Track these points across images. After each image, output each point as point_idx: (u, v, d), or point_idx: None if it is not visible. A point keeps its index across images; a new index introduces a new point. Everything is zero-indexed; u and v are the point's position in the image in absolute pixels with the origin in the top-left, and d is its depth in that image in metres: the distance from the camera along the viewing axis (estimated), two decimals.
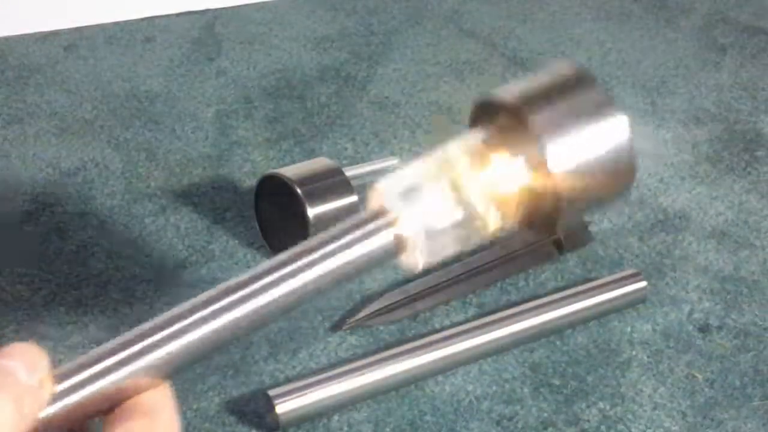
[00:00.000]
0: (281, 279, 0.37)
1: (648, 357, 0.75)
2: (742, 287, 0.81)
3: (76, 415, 0.34)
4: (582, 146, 0.42)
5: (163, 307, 0.80)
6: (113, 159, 0.93)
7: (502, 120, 0.42)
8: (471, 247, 0.42)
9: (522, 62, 1.09)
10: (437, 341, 0.72)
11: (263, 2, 1.19)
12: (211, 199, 0.88)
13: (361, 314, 0.76)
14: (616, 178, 0.43)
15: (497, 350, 0.74)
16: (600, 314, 0.77)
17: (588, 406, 0.71)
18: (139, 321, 0.74)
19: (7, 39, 1.11)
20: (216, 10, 1.17)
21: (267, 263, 0.38)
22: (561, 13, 1.19)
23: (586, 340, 0.76)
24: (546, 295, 0.78)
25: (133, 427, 0.33)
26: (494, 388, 0.72)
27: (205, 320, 0.36)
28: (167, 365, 0.36)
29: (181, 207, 0.87)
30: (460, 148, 0.42)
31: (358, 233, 0.39)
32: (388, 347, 0.73)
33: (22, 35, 1.12)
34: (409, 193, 0.40)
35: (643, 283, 0.79)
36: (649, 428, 0.69)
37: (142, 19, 1.15)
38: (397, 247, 0.40)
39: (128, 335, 0.36)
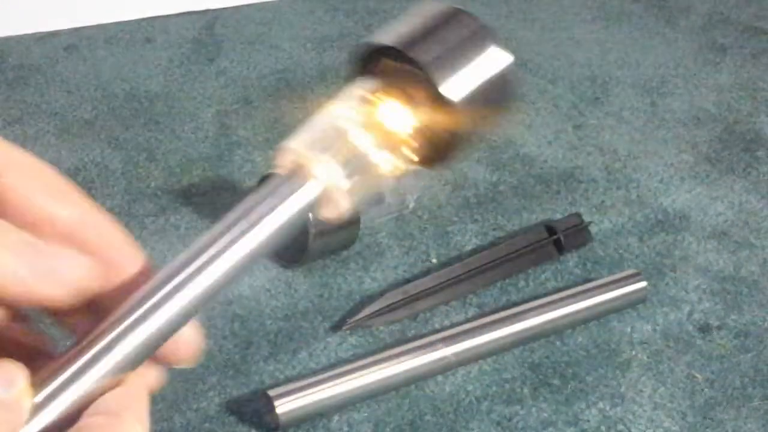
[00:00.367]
0: (214, 257, 0.38)
1: (648, 357, 0.75)
2: (742, 287, 0.81)
3: (60, 424, 0.34)
4: (469, 73, 0.43)
5: None
6: (113, 159, 0.93)
7: (386, 64, 0.43)
8: (383, 189, 0.47)
9: (522, 63, 1.09)
10: (437, 341, 0.72)
11: (263, 3, 1.19)
12: (211, 199, 0.88)
13: (362, 314, 0.76)
14: (502, 99, 0.45)
15: (497, 350, 0.74)
16: (600, 314, 0.77)
17: (588, 407, 0.71)
18: None
19: (7, 39, 1.11)
20: (216, 10, 1.17)
21: (195, 245, 0.38)
22: (561, 14, 1.19)
23: (586, 341, 0.76)
24: (546, 295, 0.78)
25: (95, 424, 0.33)
26: (494, 388, 0.72)
27: (160, 305, 0.37)
28: (142, 353, 0.36)
29: (181, 207, 0.87)
30: (352, 98, 0.44)
31: (278, 196, 0.40)
32: (387, 347, 0.73)
33: (22, 35, 1.12)
34: (316, 145, 0.42)
35: (643, 284, 0.79)
36: (649, 428, 0.69)
37: (142, 20, 1.15)
38: (317, 199, 0.41)
39: (96, 331, 0.36)
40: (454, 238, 0.85)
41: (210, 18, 1.16)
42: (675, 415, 0.70)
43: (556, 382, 0.72)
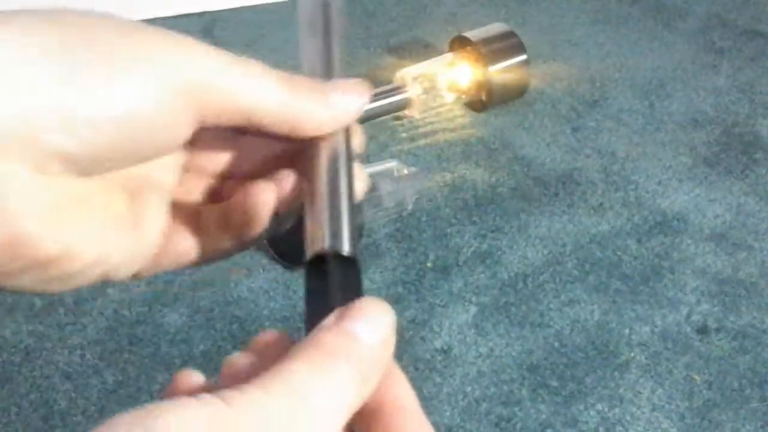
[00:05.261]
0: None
1: (646, 359, 0.75)
2: (740, 289, 0.82)
3: None
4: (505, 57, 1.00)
5: (161, 309, 0.80)
6: None
7: (468, 47, 1.00)
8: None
9: None
10: None
11: (262, 5, 1.19)
12: None
13: None
14: (518, 74, 1.00)
15: None
16: None
17: (586, 408, 0.71)
18: (137, 323, 0.74)
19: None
20: (214, 12, 1.17)
21: None
22: (559, 16, 1.19)
23: (584, 342, 0.76)
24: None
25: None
26: (492, 389, 0.72)
27: None
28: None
29: None
30: (445, 60, 1.01)
31: (386, 96, 0.96)
32: None
33: None
34: (415, 78, 0.98)
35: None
36: (648, 430, 0.69)
37: (141, 22, 1.15)
38: (407, 103, 0.97)
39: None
40: (453, 240, 0.85)
41: (208, 20, 1.16)
42: (673, 417, 0.70)
43: (554, 383, 0.72)
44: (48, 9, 0.32)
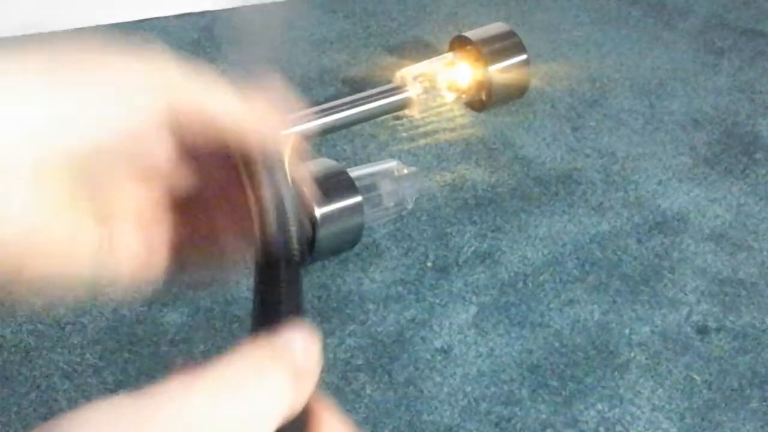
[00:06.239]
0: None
1: (646, 359, 0.75)
2: (741, 289, 0.82)
3: None
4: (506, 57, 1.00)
5: (161, 309, 0.80)
6: None
7: (468, 46, 1.00)
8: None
9: None
10: None
11: (262, 5, 1.19)
12: None
13: None
14: (518, 74, 1.00)
15: None
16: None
17: (586, 408, 0.71)
18: (137, 323, 0.74)
19: (5, 41, 1.11)
20: (214, 12, 1.17)
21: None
22: (559, 16, 1.19)
23: (584, 342, 0.76)
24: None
25: None
26: (492, 389, 0.72)
27: None
28: None
29: None
30: (445, 59, 1.01)
31: (386, 96, 0.96)
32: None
33: (20, 37, 1.12)
34: (415, 78, 0.99)
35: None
36: (648, 430, 0.69)
37: (141, 21, 1.15)
38: (407, 103, 0.98)
39: None
40: (453, 240, 0.85)
41: (209, 20, 1.16)
42: (673, 417, 0.70)
43: (554, 383, 0.72)
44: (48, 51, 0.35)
